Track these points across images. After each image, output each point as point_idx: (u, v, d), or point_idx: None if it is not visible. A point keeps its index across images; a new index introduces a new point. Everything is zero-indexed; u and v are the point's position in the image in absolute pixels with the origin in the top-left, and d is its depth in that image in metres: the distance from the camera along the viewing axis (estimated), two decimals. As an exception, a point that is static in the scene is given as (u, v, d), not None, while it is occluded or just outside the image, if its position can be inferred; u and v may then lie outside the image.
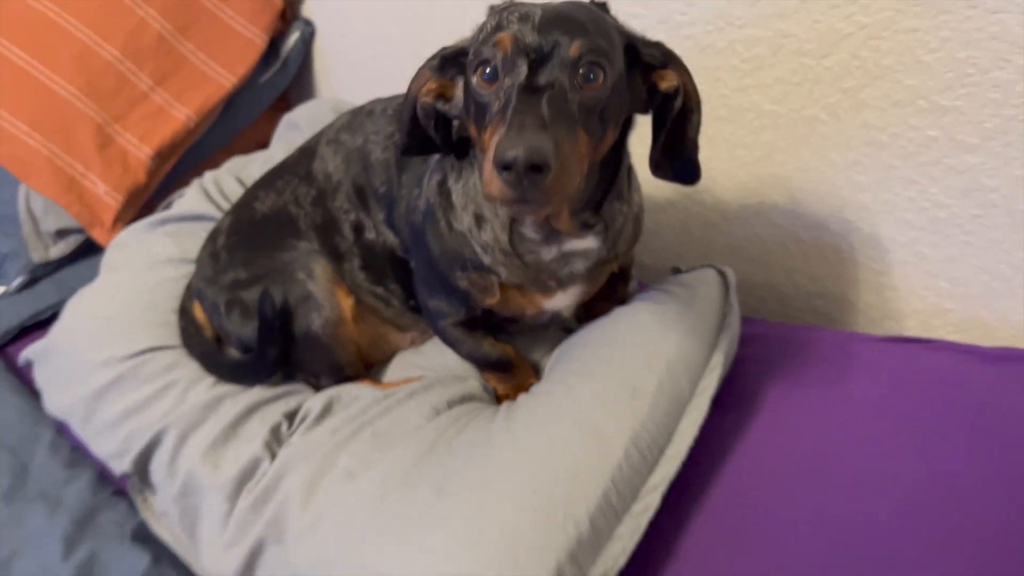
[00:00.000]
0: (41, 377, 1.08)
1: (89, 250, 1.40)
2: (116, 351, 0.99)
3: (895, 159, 0.92)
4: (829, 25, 0.91)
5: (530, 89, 0.59)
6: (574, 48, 0.61)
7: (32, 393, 1.22)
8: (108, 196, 1.32)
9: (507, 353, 0.88)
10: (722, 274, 0.91)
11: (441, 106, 0.72)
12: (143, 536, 1.02)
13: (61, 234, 1.37)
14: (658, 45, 0.68)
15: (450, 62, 0.70)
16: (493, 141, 0.57)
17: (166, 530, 0.97)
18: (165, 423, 0.93)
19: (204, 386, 0.95)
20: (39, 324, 1.36)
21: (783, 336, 0.94)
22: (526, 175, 0.55)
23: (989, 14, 0.80)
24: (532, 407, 0.77)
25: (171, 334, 1.01)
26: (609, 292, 0.94)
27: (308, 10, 1.54)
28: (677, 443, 0.74)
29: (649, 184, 1.17)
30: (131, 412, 0.95)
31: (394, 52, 1.44)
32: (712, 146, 1.07)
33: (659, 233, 1.19)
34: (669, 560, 0.71)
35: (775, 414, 0.81)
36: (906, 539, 0.69)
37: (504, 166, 0.55)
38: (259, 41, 1.46)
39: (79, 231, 1.38)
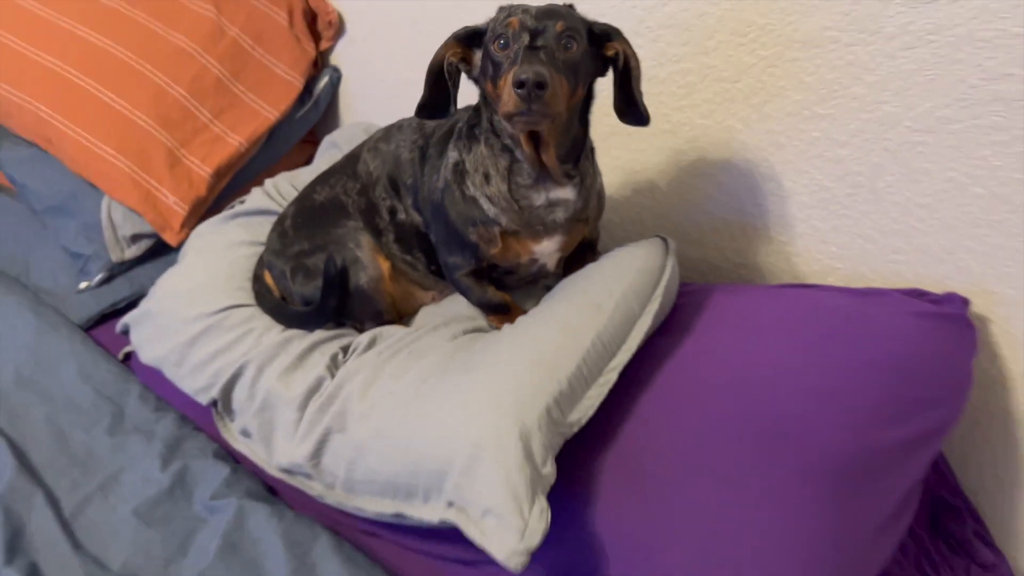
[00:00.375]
0: (137, 336, 1.37)
1: (156, 253, 1.70)
2: (204, 309, 1.28)
3: (791, 156, 1.25)
4: (739, 58, 1.24)
5: (531, 48, 0.92)
6: (559, 26, 0.93)
7: (117, 362, 1.51)
8: (176, 206, 1.62)
9: (505, 299, 1.18)
10: (665, 240, 1.22)
11: (463, 67, 1.03)
12: (222, 455, 1.29)
13: (135, 239, 1.66)
14: (606, 25, 1.01)
15: (470, 37, 1.02)
16: (508, 79, 0.89)
17: (243, 445, 1.24)
18: (246, 359, 1.21)
19: (275, 332, 1.24)
20: (115, 313, 1.65)
21: (712, 290, 1.24)
22: (533, 90, 0.87)
23: (846, 47, 1.13)
24: (526, 320, 1.07)
25: (247, 296, 1.30)
26: (581, 262, 1.24)
27: (336, 59, 1.87)
28: (629, 342, 1.04)
29: (612, 187, 1.49)
30: (218, 353, 1.24)
31: (407, 94, 1.76)
32: (659, 154, 1.40)
33: (622, 225, 1.50)
34: (625, 416, 1.00)
35: (703, 331, 1.11)
36: (793, 397, 0.98)
37: (519, 84, 0.87)
38: (297, 84, 1.78)
39: (150, 236, 1.67)
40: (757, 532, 0.91)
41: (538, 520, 0.85)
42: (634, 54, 1.02)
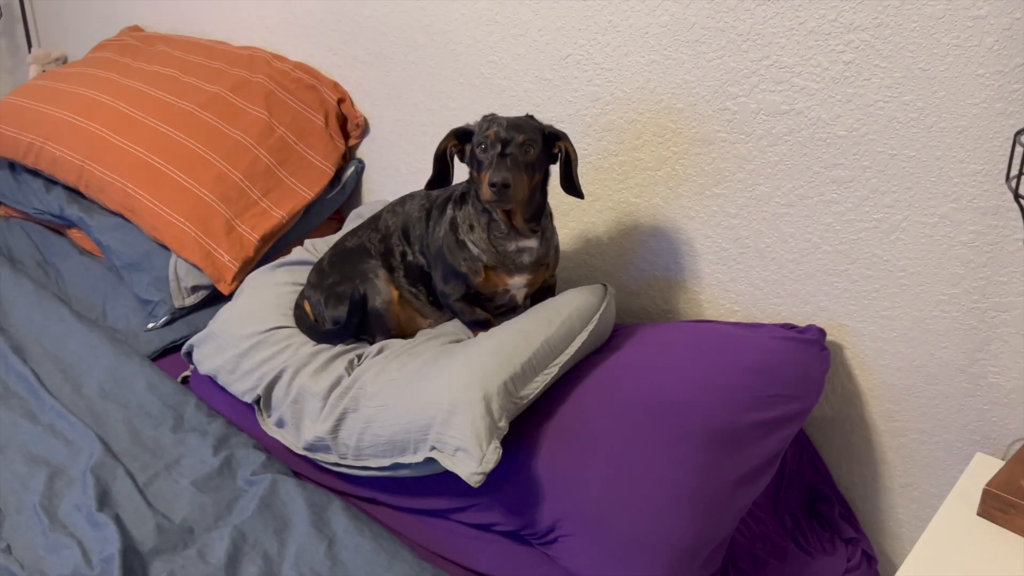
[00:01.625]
0: (199, 353, 1.75)
1: (209, 302, 2.10)
2: (255, 328, 1.67)
3: (699, 225, 1.66)
4: (659, 153, 1.67)
5: (502, 155, 1.35)
6: (521, 138, 1.37)
7: (176, 382, 1.89)
8: (230, 263, 2.04)
9: (488, 317, 1.57)
10: (605, 286, 1.62)
11: (457, 155, 1.46)
12: (260, 447, 1.65)
13: (194, 289, 2.06)
14: (555, 129, 1.43)
15: (463, 134, 1.45)
16: (487, 176, 1.33)
17: (277, 433, 1.61)
18: (285, 365, 1.59)
19: (308, 346, 1.62)
20: (174, 348, 2.04)
21: (641, 325, 1.63)
22: (501, 188, 1.30)
23: (731, 144, 1.56)
24: (496, 329, 1.47)
25: (289, 320, 1.70)
26: (542, 300, 1.64)
27: (361, 153, 2.32)
28: (570, 349, 1.42)
29: (569, 250, 1.90)
30: (264, 362, 1.61)
31: (415, 181, 2.20)
32: (604, 225, 1.82)
33: (578, 281, 1.90)
34: (563, 400, 1.38)
35: (627, 348, 1.49)
36: (683, 387, 1.35)
37: (492, 184, 1.30)
38: (329, 171, 2.22)
39: (206, 288, 2.07)
40: (651, 476, 1.28)
41: (492, 453, 1.23)
42: (573, 150, 1.46)
